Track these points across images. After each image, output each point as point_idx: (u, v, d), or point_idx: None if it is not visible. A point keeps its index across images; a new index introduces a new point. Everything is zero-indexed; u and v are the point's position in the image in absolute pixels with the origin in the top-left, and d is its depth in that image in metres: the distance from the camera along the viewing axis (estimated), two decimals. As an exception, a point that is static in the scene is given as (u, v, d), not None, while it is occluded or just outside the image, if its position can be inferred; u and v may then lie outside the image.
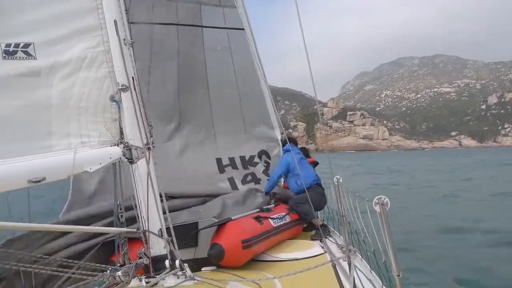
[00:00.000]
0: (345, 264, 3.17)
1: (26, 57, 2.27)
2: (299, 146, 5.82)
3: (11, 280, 2.47)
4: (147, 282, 2.47)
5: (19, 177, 2.01)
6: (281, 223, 4.27)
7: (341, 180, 3.84)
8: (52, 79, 2.37)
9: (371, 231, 3.12)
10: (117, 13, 2.57)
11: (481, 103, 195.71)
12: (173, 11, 5.56)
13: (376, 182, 24.38)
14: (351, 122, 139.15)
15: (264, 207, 4.48)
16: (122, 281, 2.28)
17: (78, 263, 2.53)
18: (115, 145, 2.54)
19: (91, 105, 2.46)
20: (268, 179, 5.35)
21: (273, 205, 4.76)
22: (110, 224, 3.04)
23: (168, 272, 2.52)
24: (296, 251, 3.92)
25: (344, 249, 3.49)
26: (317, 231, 4.38)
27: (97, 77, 2.49)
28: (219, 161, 5.63)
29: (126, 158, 2.53)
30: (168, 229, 2.67)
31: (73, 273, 2.47)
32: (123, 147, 2.53)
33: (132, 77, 2.58)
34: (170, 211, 2.81)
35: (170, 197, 4.13)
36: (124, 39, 2.56)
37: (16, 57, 2.24)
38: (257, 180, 5.62)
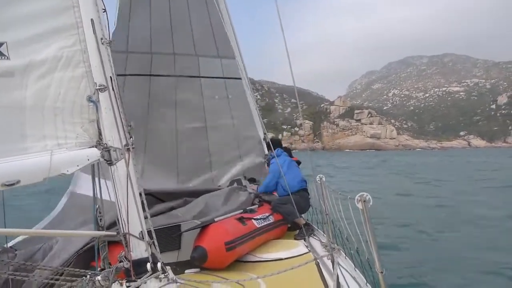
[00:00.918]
0: (329, 263, 3.19)
1: (-2, 57, 2.19)
2: (287, 145, 5.95)
3: None
4: (128, 286, 2.41)
5: None
6: (265, 223, 4.26)
7: (324, 179, 3.86)
8: (26, 80, 2.29)
9: (354, 229, 3.15)
10: (94, 11, 2.51)
11: (491, 103, 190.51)
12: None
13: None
14: (358, 120, 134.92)
15: (247, 208, 4.47)
16: (102, 286, 2.23)
17: (56, 268, 2.45)
18: (93, 147, 2.48)
19: (68, 106, 2.39)
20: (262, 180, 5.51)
21: (257, 205, 4.76)
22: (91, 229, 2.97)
23: (150, 276, 2.47)
24: (280, 250, 3.92)
25: (327, 247, 3.51)
26: (301, 231, 4.40)
27: (74, 77, 2.42)
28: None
29: (105, 159, 2.47)
30: (149, 231, 2.62)
31: (51, 279, 2.40)
32: (102, 149, 2.47)
33: (110, 76, 2.52)
34: (152, 215, 2.77)
35: (149, 194, 4.09)
36: (102, 38, 2.51)
37: (-13, 57, 2.16)
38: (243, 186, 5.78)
